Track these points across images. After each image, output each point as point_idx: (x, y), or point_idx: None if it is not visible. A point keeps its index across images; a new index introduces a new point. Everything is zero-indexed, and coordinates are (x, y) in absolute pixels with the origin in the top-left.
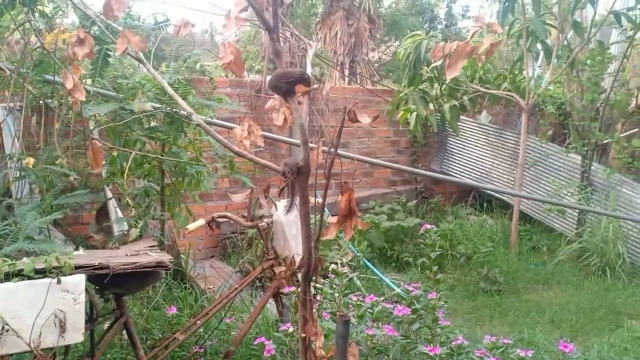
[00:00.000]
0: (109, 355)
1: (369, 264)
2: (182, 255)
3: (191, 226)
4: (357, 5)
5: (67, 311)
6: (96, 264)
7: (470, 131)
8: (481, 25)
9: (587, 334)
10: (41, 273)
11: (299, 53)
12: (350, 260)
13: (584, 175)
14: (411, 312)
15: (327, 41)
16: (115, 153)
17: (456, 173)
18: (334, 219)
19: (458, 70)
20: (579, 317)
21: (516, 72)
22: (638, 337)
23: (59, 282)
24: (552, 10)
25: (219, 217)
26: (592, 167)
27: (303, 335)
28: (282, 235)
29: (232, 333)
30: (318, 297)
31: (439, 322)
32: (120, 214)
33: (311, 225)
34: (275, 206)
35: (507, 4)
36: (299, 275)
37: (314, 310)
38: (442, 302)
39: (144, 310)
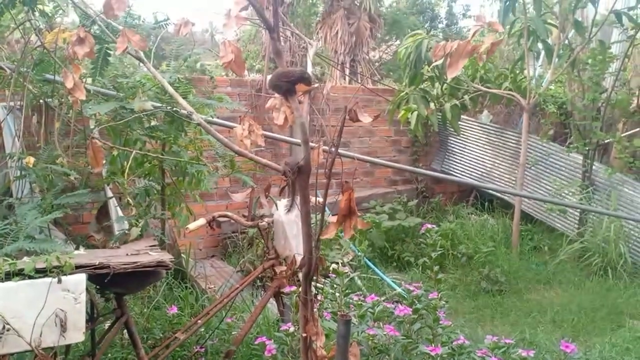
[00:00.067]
0: (109, 355)
1: (370, 263)
2: (182, 255)
3: (192, 225)
4: (358, 4)
5: (68, 310)
6: (97, 264)
7: (471, 131)
8: (482, 24)
9: (589, 334)
10: (42, 272)
11: (300, 52)
12: (351, 260)
13: (586, 174)
14: (412, 312)
15: (328, 40)
16: (115, 152)
17: (457, 172)
18: (334, 219)
19: (459, 69)
20: (581, 317)
21: (517, 72)
22: None
23: (59, 281)
24: (553, 9)
25: (220, 216)
26: (594, 167)
27: (304, 335)
28: (282, 234)
29: (233, 333)
30: (319, 297)
31: (440, 322)
32: (120, 213)
33: (312, 225)
34: (276, 205)
35: (507, 3)
36: (300, 275)
37: (315, 309)
38: (443, 302)
39: (145, 310)
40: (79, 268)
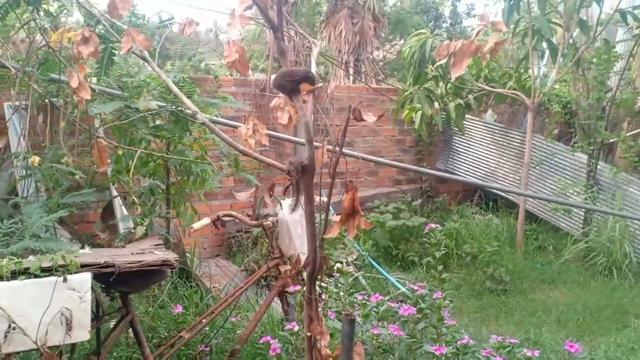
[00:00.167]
0: (115, 354)
1: (374, 263)
2: (187, 254)
3: (196, 225)
4: (362, 3)
5: (74, 309)
6: (102, 263)
7: (476, 130)
8: (486, 23)
9: (594, 333)
10: (47, 271)
11: (304, 52)
12: (355, 259)
13: (590, 174)
14: (417, 312)
15: (332, 40)
16: (120, 151)
17: (461, 172)
18: (338, 218)
19: (463, 68)
20: (586, 317)
21: (522, 71)
22: None
23: (65, 280)
24: (558, 8)
25: (224, 215)
26: (598, 166)
27: (308, 334)
28: (287, 234)
29: (237, 332)
30: (323, 296)
31: (445, 322)
32: (125, 212)
33: (316, 224)
34: (280, 205)
35: (512, 2)
36: (304, 274)
37: (320, 309)
38: (448, 302)
39: (150, 309)
40: (84, 267)
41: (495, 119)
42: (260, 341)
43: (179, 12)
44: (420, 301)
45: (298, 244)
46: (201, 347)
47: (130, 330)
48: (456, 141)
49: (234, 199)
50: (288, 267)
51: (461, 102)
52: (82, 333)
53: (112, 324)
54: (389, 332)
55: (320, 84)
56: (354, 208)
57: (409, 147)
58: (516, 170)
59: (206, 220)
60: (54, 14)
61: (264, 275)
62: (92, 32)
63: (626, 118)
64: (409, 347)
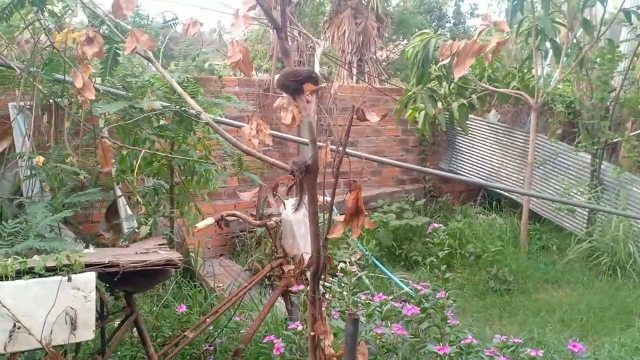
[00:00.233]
0: (119, 353)
1: (377, 262)
2: (191, 254)
3: (200, 224)
4: (365, 3)
5: (78, 309)
6: (106, 262)
7: (479, 130)
8: (488, 23)
9: (598, 333)
10: (52, 271)
11: (307, 52)
12: (359, 259)
13: (594, 174)
14: (420, 311)
15: (335, 40)
16: (124, 151)
17: (465, 172)
18: (342, 218)
19: (466, 68)
20: (589, 317)
21: (525, 71)
22: None
23: (69, 280)
24: (561, 8)
25: (228, 215)
26: (602, 166)
27: (312, 333)
28: (290, 233)
29: (241, 331)
30: (327, 296)
31: (448, 321)
32: (129, 212)
33: (319, 224)
34: (284, 205)
35: (515, 2)
36: (308, 274)
37: (323, 308)
38: (451, 301)
39: (154, 308)
40: (88, 266)
41: (499, 118)
42: (264, 340)
43: (183, 13)
44: (424, 301)
45: (301, 244)
46: (205, 346)
47: (135, 329)
48: (459, 141)
49: (238, 198)
50: (292, 266)
51: (464, 102)
52: (87, 332)
53: (117, 323)
54: (393, 331)
55: (323, 84)
56: (358, 208)
57: (413, 147)
58: (520, 170)
59: (210, 220)
60: (59, 15)
61: (267, 274)
62: (96, 32)
63: (630, 118)
64: (413, 346)
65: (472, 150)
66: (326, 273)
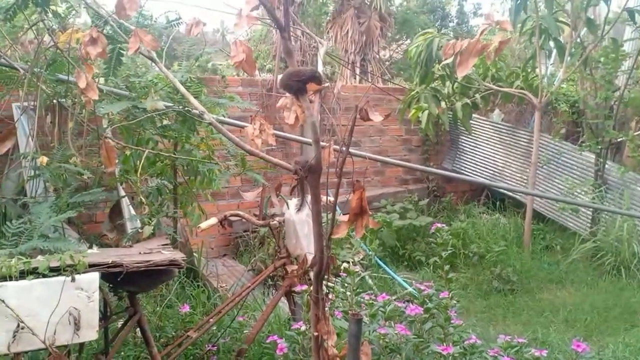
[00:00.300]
0: (122, 353)
1: (381, 262)
2: (194, 254)
3: (203, 225)
4: (368, 3)
5: (82, 309)
6: (110, 262)
7: (483, 129)
8: (491, 22)
9: (602, 333)
10: (55, 271)
11: (310, 52)
12: (362, 259)
13: (598, 173)
14: (423, 311)
15: (338, 40)
16: (128, 151)
17: (468, 171)
18: (345, 218)
19: (469, 68)
20: (594, 317)
21: (529, 70)
22: None
23: (73, 280)
24: (565, 7)
25: (231, 215)
26: (606, 166)
27: (315, 333)
28: (294, 233)
29: (244, 331)
30: (330, 296)
31: (452, 321)
32: (133, 212)
33: (323, 224)
34: (287, 205)
35: (519, 1)
36: (311, 274)
37: (326, 308)
38: (455, 301)
39: (158, 308)
40: (92, 267)
41: (503, 118)
42: (267, 341)
43: (186, 13)
44: (427, 301)
45: (305, 244)
46: (208, 346)
47: (138, 329)
48: (463, 141)
49: (241, 198)
50: (295, 266)
51: (468, 101)
52: (90, 332)
53: (120, 323)
54: (396, 331)
55: (326, 84)
56: (362, 208)
57: (416, 147)
58: (523, 170)
59: (213, 220)
60: (62, 15)
61: (270, 274)
62: (99, 32)
63: (634, 117)
64: (416, 346)
65: (476, 150)
66: (329, 273)
